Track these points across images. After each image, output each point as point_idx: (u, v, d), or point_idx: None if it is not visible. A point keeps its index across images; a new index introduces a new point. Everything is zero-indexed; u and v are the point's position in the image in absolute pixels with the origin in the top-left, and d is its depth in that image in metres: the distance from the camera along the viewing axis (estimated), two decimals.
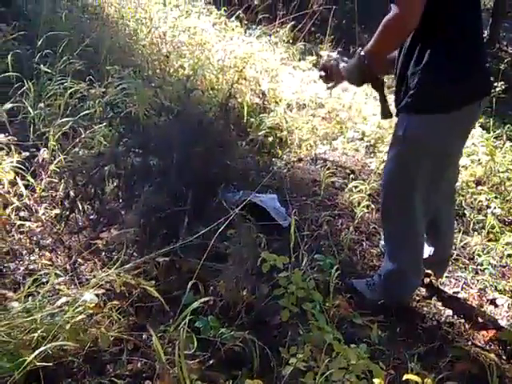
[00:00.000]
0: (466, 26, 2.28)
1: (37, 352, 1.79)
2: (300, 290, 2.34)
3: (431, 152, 2.42)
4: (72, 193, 2.85)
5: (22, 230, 2.73)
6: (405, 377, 1.96)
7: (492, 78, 5.13)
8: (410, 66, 2.35)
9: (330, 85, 2.76)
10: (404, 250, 2.65)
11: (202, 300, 2.17)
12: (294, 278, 2.37)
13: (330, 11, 6.72)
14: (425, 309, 2.79)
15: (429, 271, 2.90)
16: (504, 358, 2.51)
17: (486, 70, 2.48)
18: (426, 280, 2.91)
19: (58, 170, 3.04)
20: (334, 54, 2.89)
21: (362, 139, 4.71)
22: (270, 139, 4.42)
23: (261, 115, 4.66)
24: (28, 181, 2.91)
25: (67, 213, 2.79)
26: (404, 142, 2.46)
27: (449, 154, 2.49)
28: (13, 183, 2.84)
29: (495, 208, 3.81)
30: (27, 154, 3.03)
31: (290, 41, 6.86)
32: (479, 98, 2.37)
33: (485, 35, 13.08)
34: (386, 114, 2.61)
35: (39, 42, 4.05)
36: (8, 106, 3.32)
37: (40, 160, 3.07)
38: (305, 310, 2.33)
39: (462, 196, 3.95)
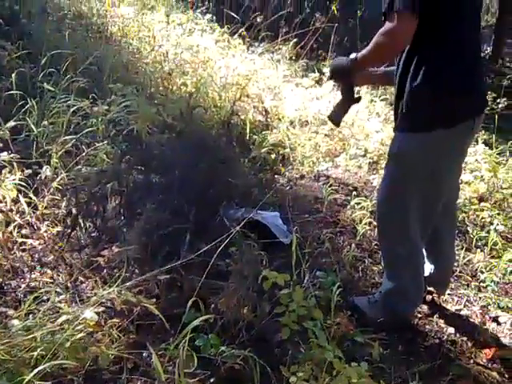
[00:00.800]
0: (461, 45, 2.30)
1: (36, 370, 1.79)
2: (301, 307, 2.33)
3: (424, 169, 2.43)
4: (74, 210, 2.86)
5: (23, 247, 2.75)
6: None
7: (495, 95, 5.17)
8: (406, 85, 2.37)
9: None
10: (402, 268, 2.65)
11: (203, 318, 2.16)
12: (295, 295, 2.37)
13: (332, 28, 6.76)
14: (427, 326, 2.78)
15: (431, 288, 2.90)
16: (506, 376, 2.49)
17: (480, 88, 2.48)
18: (428, 297, 2.91)
19: (60, 187, 3.05)
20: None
21: (364, 156, 4.71)
22: (273, 156, 4.43)
23: (263, 132, 4.68)
24: (30, 198, 2.93)
25: (69, 230, 2.80)
26: (397, 159, 2.48)
27: (442, 172, 2.48)
28: (15, 201, 2.86)
29: (498, 225, 3.79)
30: (30, 171, 3.05)
31: (293, 58, 6.89)
32: (472, 116, 2.38)
33: (488, 51, 13.14)
34: (335, 119, 2.69)
35: (43, 61, 4.07)
36: (11, 123, 3.33)
37: (43, 177, 3.09)
38: (306, 327, 2.33)
39: (465, 212, 3.94)
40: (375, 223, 3.49)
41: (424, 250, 2.80)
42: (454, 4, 2.27)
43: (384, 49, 2.33)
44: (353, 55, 2.48)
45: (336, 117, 2.70)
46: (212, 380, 2.14)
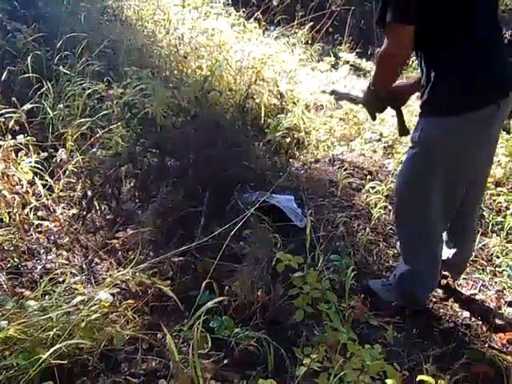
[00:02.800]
0: (476, 31, 2.26)
1: (52, 350, 1.81)
2: (315, 290, 2.34)
3: (446, 155, 2.40)
4: (89, 193, 2.88)
5: (39, 229, 2.77)
6: (419, 378, 1.95)
7: None
8: (427, 72, 2.35)
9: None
10: (419, 251, 2.63)
11: (217, 300, 2.16)
12: (309, 278, 2.37)
13: (348, 12, 6.71)
14: (441, 310, 2.77)
15: (445, 273, 2.88)
16: None
17: (502, 72, 2.44)
18: (443, 281, 2.90)
19: (75, 170, 3.07)
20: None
21: (379, 140, 4.69)
22: (288, 140, 4.42)
23: (278, 116, 4.67)
24: (46, 181, 2.94)
25: (84, 212, 2.82)
26: (419, 144, 2.45)
27: (466, 158, 2.44)
28: (31, 183, 2.87)
29: None
30: (46, 154, 3.07)
31: (309, 42, 6.85)
32: (495, 101, 2.34)
33: (507, 35, 12.94)
34: (402, 131, 2.69)
35: (59, 44, 4.08)
36: (28, 106, 3.35)
37: (58, 160, 3.10)
38: (320, 310, 2.33)
39: None
40: (390, 207, 3.51)
41: (445, 234, 2.77)
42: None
43: (386, 67, 2.36)
44: (366, 85, 2.58)
45: (401, 129, 2.71)
46: (226, 361, 2.15)
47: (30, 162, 2.91)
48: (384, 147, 4.60)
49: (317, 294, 2.33)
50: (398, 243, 3.17)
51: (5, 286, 2.30)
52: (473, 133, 2.35)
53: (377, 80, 2.47)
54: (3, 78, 3.52)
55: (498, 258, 3.27)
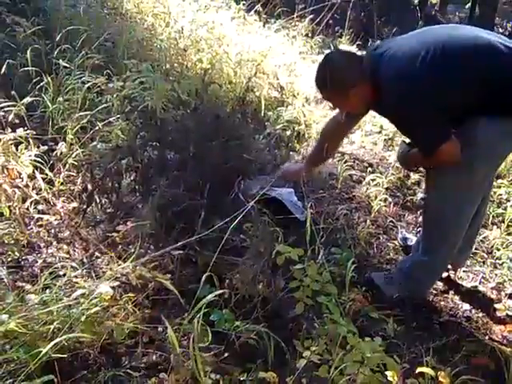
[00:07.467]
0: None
1: (52, 343, 1.81)
2: (315, 282, 2.33)
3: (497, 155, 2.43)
4: (90, 186, 2.87)
5: (40, 223, 2.76)
6: (418, 370, 1.95)
7: None
8: None
9: None
10: (445, 245, 2.60)
11: (218, 293, 2.16)
12: (310, 270, 2.37)
13: (348, 4, 6.69)
14: (442, 303, 2.78)
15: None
16: None
17: None
18: (444, 274, 2.90)
19: (75, 163, 3.06)
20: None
21: (380, 132, 4.68)
22: (288, 133, 4.41)
23: (278, 109, 4.65)
24: (46, 174, 2.94)
25: (85, 206, 2.82)
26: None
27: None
28: (31, 177, 2.87)
29: None
30: (46, 147, 3.06)
31: (309, 34, 6.83)
32: None
33: (508, 28, 12.90)
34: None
35: (58, 37, 4.07)
36: (27, 100, 3.34)
37: (58, 154, 3.10)
38: (320, 303, 2.33)
39: None
40: (390, 200, 3.51)
41: None
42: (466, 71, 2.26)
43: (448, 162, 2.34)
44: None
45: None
46: (226, 354, 2.15)
47: (30, 156, 2.91)
48: (384, 139, 4.59)
49: (317, 286, 2.32)
50: (400, 235, 3.18)
51: (5, 279, 2.30)
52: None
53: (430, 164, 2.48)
54: (3, 71, 3.50)
55: (499, 250, 3.27)
